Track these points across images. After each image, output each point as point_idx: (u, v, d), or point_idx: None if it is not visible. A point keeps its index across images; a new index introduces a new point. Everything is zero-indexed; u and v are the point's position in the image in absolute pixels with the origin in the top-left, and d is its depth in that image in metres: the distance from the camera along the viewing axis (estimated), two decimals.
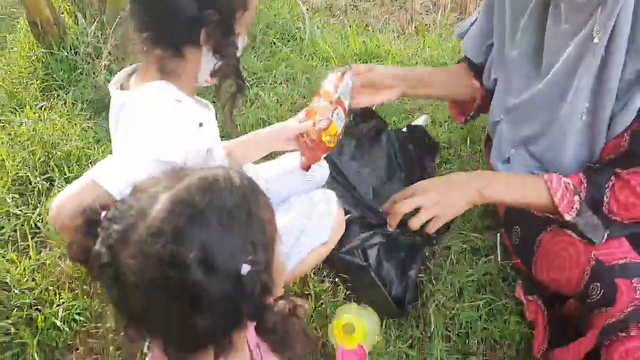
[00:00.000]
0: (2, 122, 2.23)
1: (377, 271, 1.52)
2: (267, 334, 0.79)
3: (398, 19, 3.45)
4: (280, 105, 2.38)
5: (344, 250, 1.53)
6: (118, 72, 1.17)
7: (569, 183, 1.24)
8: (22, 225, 1.74)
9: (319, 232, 1.37)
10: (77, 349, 1.45)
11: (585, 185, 1.24)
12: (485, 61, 1.58)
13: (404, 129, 1.95)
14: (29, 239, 1.68)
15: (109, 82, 1.17)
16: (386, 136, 1.85)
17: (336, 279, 1.61)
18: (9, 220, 1.76)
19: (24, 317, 1.48)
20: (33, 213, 1.78)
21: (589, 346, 1.14)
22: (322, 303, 1.55)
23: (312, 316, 1.52)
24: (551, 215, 1.28)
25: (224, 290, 0.70)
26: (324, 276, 1.63)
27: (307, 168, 1.41)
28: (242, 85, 1.15)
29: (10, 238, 1.72)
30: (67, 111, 2.27)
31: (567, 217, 1.23)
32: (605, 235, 1.22)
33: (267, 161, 1.59)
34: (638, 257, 1.22)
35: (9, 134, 2.14)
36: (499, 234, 1.65)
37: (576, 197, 1.22)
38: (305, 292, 1.59)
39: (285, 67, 2.69)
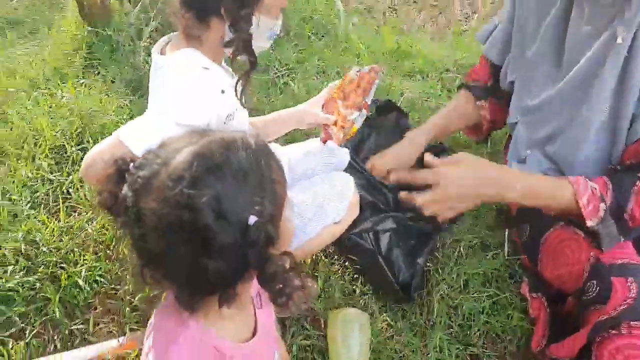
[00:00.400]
0: (46, 95, 2.35)
1: (387, 256, 1.57)
2: (267, 283, 0.83)
3: (436, 24, 3.48)
4: (309, 96, 2.43)
5: (355, 232, 1.58)
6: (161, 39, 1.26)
7: (595, 188, 1.23)
8: (55, 190, 1.85)
9: (334, 211, 1.42)
10: (96, 308, 1.53)
11: (611, 190, 1.22)
12: None
13: None
14: (60, 203, 1.78)
15: (147, 63, 1.25)
16: (405, 127, 1.89)
17: (346, 262, 1.66)
18: (43, 184, 1.86)
19: (49, 274, 1.57)
20: (66, 180, 1.88)
21: (581, 342, 1.16)
22: (330, 285, 1.60)
23: (319, 297, 1.57)
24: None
25: (232, 236, 0.76)
26: (335, 259, 1.68)
27: (325, 142, 1.52)
28: (253, 61, 1.20)
29: (43, 201, 1.83)
30: (106, 88, 2.38)
31: (590, 223, 1.22)
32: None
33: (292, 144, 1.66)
34: None
35: (51, 106, 2.26)
36: (507, 230, 1.67)
37: (602, 205, 1.21)
38: (315, 274, 1.65)
39: (318, 61, 2.75)
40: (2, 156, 2.00)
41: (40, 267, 1.58)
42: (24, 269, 1.58)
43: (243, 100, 1.24)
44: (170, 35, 1.25)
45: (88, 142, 2.03)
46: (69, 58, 2.66)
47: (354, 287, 1.61)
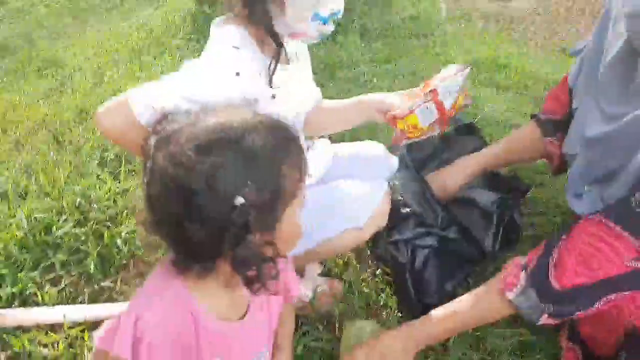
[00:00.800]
0: (143, 63, 2.50)
1: (419, 273, 1.49)
2: (238, 266, 0.84)
3: (547, 40, 3.27)
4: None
5: (392, 241, 1.52)
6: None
7: (522, 259, 1.19)
8: (121, 155, 1.96)
9: (356, 215, 1.36)
10: (128, 270, 1.60)
11: (538, 256, 1.16)
12: None
13: None
14: (123, 165, 1.88)
15: None
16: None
17: (378, 271, 1.60)
18: (113, 146, 1.98)
19: (94, 230, 1.66)
20: None
21: None
22: (353, 292, 1.56)
23: (340, 302, 1.53)
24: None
25: (215, 209, 0.78)
26: (368, 266, 1.63)
27: (394, 142, 1.43)
28: (278, 45, 1.17)
29: (110, 161, 1.94)
30: None
31: (510, 296, 1.16)
32: (545, 315, 1.14)
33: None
34: None
35: (146, 74, 2.39)
36: None
37: (522, 273, 1.15)
38: (343, 277, 1.61)
39: (409, 61, 2.67)
40: (85, 115, 2.16)
41: (89, 222, 1.68)
42: (75, 221, 1.68)
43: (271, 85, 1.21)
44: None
45: None
46: (172, 32, 2.80)
47: (379, 297, 1.56)
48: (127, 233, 1.64)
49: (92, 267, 1.56)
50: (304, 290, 1.54)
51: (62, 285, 1.54)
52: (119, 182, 1.84)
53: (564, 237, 1.15)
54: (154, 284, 0.92)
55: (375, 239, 1.60)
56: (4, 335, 1.40)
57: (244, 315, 0.99)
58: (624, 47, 1.23)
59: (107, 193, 1.78)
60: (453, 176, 1.59)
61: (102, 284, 1.56)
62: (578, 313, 1.13)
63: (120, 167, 1.91)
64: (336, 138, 1.64)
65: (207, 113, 0.85)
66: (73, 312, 1.45)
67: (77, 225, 1.67)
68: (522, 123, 2.20)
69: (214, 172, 0.77)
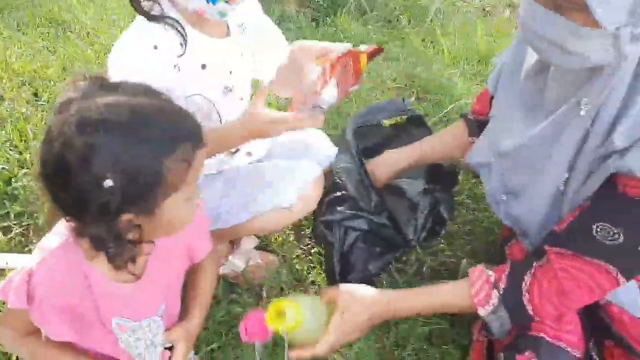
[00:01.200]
0: None
1: (346, 254, 1.53)
2: (94, 242, 0.88)
3: None
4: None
5: (323, 220, 1.56)
6: None
7: (491, 275, 1.16)
8: None
9: (284, 195, 1.40)
10: None
11: (507, 274, 1.15)
12: None
13: None
14: None
15: None
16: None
17: (313, 249, 1.65)
18: None
19: None
20: None
21: None
22: (288, 266, 1.61)
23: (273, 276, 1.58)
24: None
25: (82, 185, 0.80)
26: (305, 245, 1.68)
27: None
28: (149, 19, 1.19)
29: None
30: None
31: (482, 312, 1.14)
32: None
33: None
34: (575, 344, 1.11)
35: None
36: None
37: (494, 292, 1.14)
38: (282, 253, 1.66)
39: (399, 46, 2.68)
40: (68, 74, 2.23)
41: None
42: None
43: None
44: None
45: None
46: None
47: (308, 275, 1.61)
48: None
49: (41, 220, 1.64)
50: (236, 261, 1.60)
51: (12, 234, 1.63)
52: None
53: (536, 264, 1.14)
54: (52, 240, 0.97)
55: (313, 218, 1.66)
56: None
57: (140, 276, 1.04)
58: (538, 61, 1.21)
59: None
60: (381, 168, 1.61)
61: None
62: None
63: None
64: None
65: (109, 90, 0.86)
66: (17, 260, 1.54)
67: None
68: None
69: (88, 151, 0.79)
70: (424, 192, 1.60)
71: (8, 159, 1.81)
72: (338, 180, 1.61)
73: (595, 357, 1.20)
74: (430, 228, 1.55)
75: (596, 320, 1.20)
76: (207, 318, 1.38)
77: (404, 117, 1.82)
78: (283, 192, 1.40)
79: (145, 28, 1.17)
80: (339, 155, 1.63)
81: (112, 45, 1.19)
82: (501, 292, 1.13)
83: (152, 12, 1.18)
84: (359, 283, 1.46)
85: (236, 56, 1.35)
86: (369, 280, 1.51)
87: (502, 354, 1.14)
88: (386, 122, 1.82)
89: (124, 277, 1.01)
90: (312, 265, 1.63)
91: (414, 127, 1.80)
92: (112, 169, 0.80)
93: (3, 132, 1.93)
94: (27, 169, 1.79)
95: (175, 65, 1.21)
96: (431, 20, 2.93)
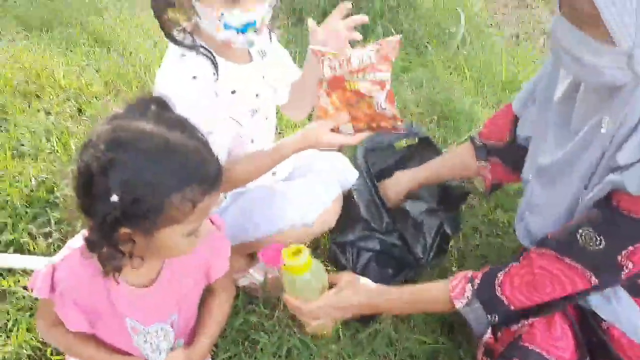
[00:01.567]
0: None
1: (361, 274, 1.61)
2: (88, 244, 1.00)
3: None
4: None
5: (336, 241, 1.66)
6: None
7: (468, 273, 1.27)
8: None
9: (304, 213, 1.50)
10: None
11: (482, 272, 1.26)
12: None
13: None
14: None
15: None
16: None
17: (327, 268, 1.74)
18: None
19: None
20: None
21: None
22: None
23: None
24: None
25: (98, 189, 0.91)
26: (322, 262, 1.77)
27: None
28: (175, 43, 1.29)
29: None
30: None
31: (458, 305, 1.25)
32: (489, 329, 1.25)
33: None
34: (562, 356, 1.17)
35: None
36: None
37: (469, 285, 1.24)
38: None
39: (422, 71, 2.77)
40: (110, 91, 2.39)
41: None
42: None
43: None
44: None
45: None
46: None
47: None
48: None
49: (79, 226, 1.77)
50: (256, 274, 1.70)
51: (52, 240, 1.77)
52: None
53: (513, 263, 1.24)
54: (78, 240, 1.09)
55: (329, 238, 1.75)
56: None
57: (152, 283, 1.14)
58: (569, 84, 1.29)
59: None
60: (392, 189, 1.70)
61: None
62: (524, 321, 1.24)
63: None
64: None
65: (153, 116, 0.97)
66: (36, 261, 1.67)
67: None
68: None
69: (108, 165, 0.90)
70: (427, 212, 1.68)
71: (52, 170, 1.96)
72: (352, 202, 1.70)
73: None
74: (438, 245, 1.64)
75: (593, 338, 1.25)
76: (224, 328, 1.47)
77: (415, 139, 1.91)
78: (304, 210, 1.50)
79: (181, 59, 1.28)
80: None
81: (152, 63, 1.30)
82: (475, 287, 1.24)
83: (185, 42, 1.29)
84: None
85: (259, 80, 1.47)
86: None
87: None
88: (400, 144, 1.91)
89: (138, 281, 1.12)
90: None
91: (425, 148, 1.89)
92: (121, 187, 0.90)
93: (48, 144, 2.09)
94: (69, 179, 1.93)
95: (215, 93, 1.32)
96: (457, 47, 3.02)
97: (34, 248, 1.73)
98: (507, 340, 1.24)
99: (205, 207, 1.00)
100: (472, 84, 2.73)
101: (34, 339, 1.46)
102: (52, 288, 1.06)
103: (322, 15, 3.10)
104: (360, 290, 1.38)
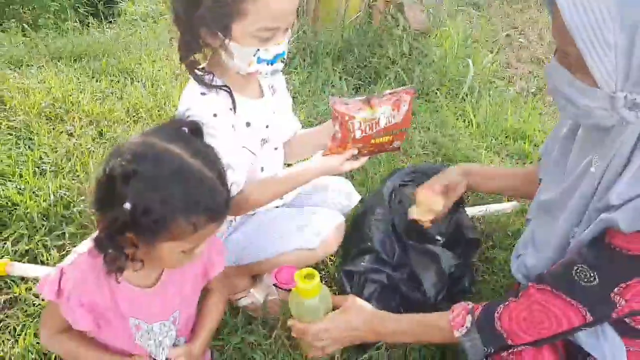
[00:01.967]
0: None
1: None
2: (95, 243, 1.07)
3: None
4: None
5: (346, 269, 1.71)
6: None
7: (469, 305, 1.32)
8: None
9: (308, 237, 1.58)
10: None
11: (483, 305, 1.30)
12: None
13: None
14: None
15: None
16: None
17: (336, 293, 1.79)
18: None
19: None
20: None
21: None
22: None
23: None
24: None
25: (118, 196, 0.99)
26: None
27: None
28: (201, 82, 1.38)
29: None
30: None
31: (457, 334, 1.29)
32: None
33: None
34: None
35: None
36: None
37: (469, 317, 1.29)
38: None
39: (432, 117, 2.87)
40: (131, 118, 2.50)
41: None
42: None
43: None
44: None
45: None
46: None
47: None
48: None
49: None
50: (257, 294, 1.76)
51: (65, 252, 1.85)
52: None
53: (511, 299, 1.28)
54: (86, 245, 1.15)
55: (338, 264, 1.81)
56: (9, 281, 1.71)
57: (155, 284, 1.21)
58: (569, 128, 1.37)
59: None
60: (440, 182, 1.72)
61: None
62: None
63: None
64: None
65: (182, 140, 1.06)
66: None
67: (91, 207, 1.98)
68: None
69: (129, 174, 0.98)
70: (456, 265, 1.70)
71: (70, 187, 2.06)
72: (366, 231, 1.76)
73: None
74: (449, 290, 1.68)
75: None
76: (223, 345, 1.56)
77: None
78: (307, 235, 1.58)
79: (202, 97, 1.38)
80: (376, 208, 1.81)
81: (172, 94, 1.39)
82: (475, 318, 1.28)
83: (206, 80, 1.39)
84: None
85: (270, 113, 1.57)
86: None
87: None
88: None
89: (141, 282, 1.20)
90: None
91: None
92: (136, 197, 0.98)
93: (69, 163, 2.19)
94: (84, 196, 2.02)
95: (232, 125, 1.42)
96: (465, 95, 3.13)
97: (47, 259, 1.80)
98: None
99: (206, 232, 1.08)
100: (478, 131, 2.82)
101: (39, 343, 1.52)
102: (60, 291, 1.12)
103: (338, 58, 3.25)
104: (363, 313, 1.44)
